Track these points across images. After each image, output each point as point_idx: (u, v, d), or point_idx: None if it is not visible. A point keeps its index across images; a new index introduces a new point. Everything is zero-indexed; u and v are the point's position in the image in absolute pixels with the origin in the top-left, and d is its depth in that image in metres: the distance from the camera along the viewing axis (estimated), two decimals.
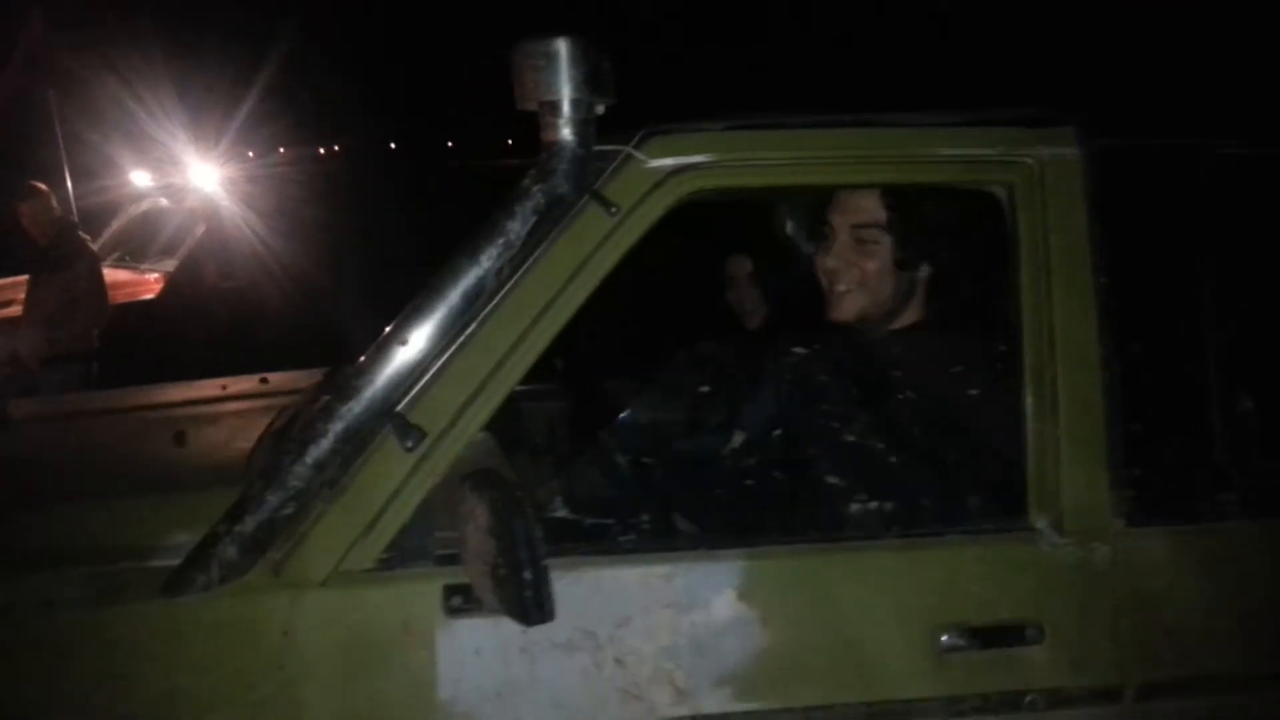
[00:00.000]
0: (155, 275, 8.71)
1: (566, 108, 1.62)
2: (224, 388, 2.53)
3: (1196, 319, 1.72)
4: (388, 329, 1.62)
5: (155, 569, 1.62)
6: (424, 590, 1.60)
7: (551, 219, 1.64)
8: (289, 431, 1.97)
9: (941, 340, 1.88)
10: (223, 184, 11.66)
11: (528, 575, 1.41)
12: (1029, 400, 1.72)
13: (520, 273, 1.64)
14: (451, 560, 1.62)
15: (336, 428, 1.59)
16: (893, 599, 1.68)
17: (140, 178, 11.11)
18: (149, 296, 8.32)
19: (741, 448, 1.87)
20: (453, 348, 1.62)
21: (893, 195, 1.87)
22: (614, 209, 1.64)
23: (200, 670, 1.55)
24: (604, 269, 1.65)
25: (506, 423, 1.85)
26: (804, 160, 1.73)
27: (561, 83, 1.61)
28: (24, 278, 5.82)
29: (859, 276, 1.90)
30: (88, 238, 5.84)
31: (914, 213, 1.86)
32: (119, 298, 6.96)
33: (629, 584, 1.63)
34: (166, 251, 9.29)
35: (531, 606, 1.41)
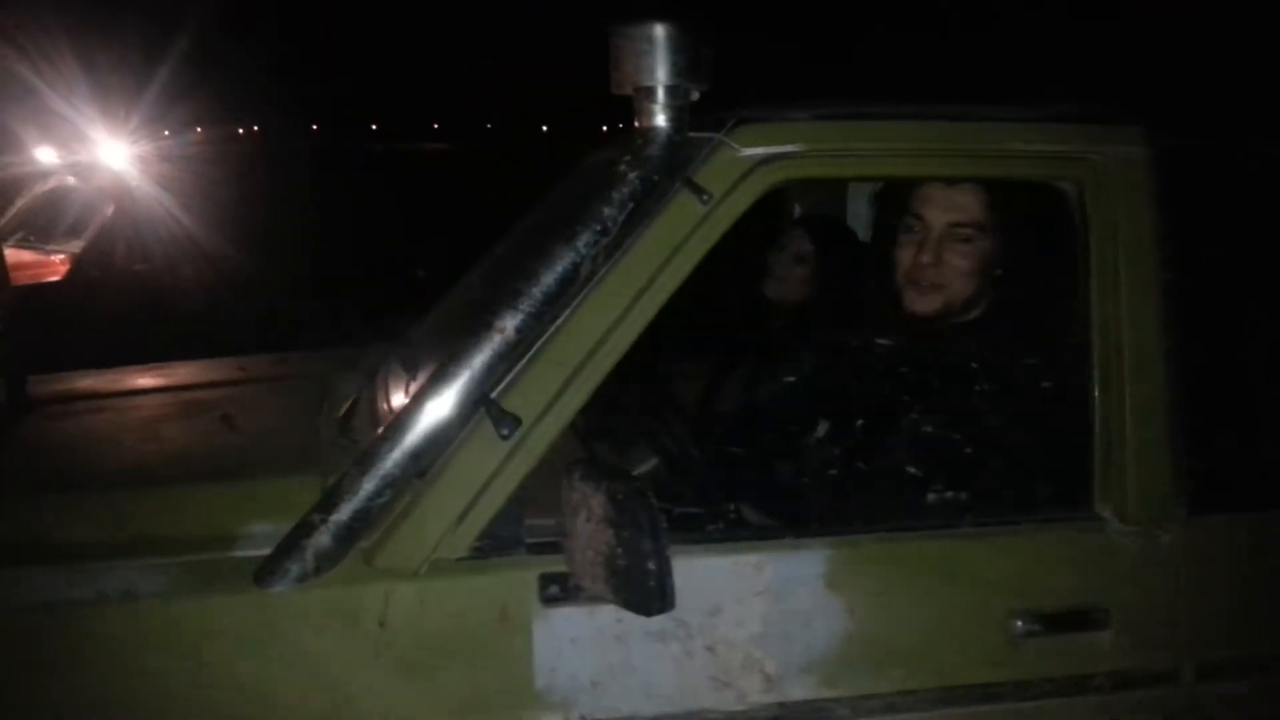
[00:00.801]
0: (61, 257, 8.40)
1: (662, 94, 1.61)
2: (242, 369, 2.44)
3: (1257, 314, 1.80)
4: (484, 314, 1.59)
5: (240, 559, 1.56)
6: (519, 579, 1.58)
7: (646, 205, 1.63)
8: (355, 418, 1.93)
9: (1002, 334, 1.91)
10: (134, 162, 11.24)
11: (652, 565, 1.40)
12: (1096, 392, 1.77)
13: (615, 259, 1.62)
14: (545, 549, 1.60)
15: (431, 414, 1.55)
16: (969, 586, 1.71)
17: (45, 154, 10.65)
18: (54, 279, 8.03)
19: (826, 436, 1.89)
20: (548, 334, 1.60)
21: (993, 196, 1.87)
22: (706, 196, 1.64)
23: (295, 661, 1.51)
24: (696, 256, 1.64)
25: None
26: (890, 152, 1.75)
27: (660, 68, 1.59)
28: None
29: (947, 274, 1.90)
30: None
31: (1008, 216, 1.88)
32: (22, 280, 6.67)
33: (720, 573, 1.63)
34: (73, 232, 8.96)
35: (655, 597, 1.41)
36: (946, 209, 1.89)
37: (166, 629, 1.49)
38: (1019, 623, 1.70)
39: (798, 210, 2.83)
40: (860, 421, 1.85)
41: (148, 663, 1.48)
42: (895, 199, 1.98)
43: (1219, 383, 1.79)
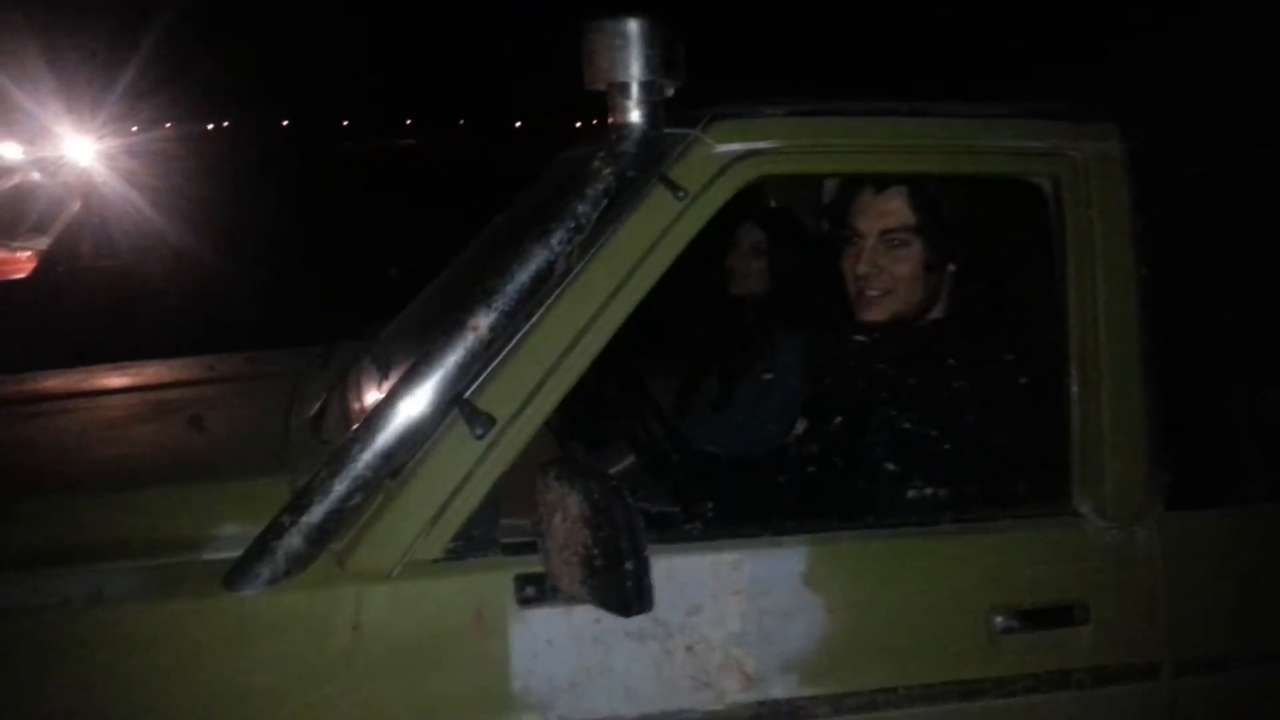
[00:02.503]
0: (27, 253, 8.34)
1: (637, 89, 1.59)
2: (211, 368, 2.40)
3: (1231, 310, 1.80)
4: (457, 312, 1.56)
5: (210, 562, 1.53)
6: (495, 580, 1.56)
7: (620, 202, 1.61)
8: (325, 419, 1.90)
9: (968, 333, 1.91)
10: (101, 158, 11.11)
11: (630, 566, 1.38)
12: (1074, 388, 1.76)
13: (589, 256, 1.60)
14: (521, 549, 1.58)
15: (404, 414, 1.53)
16: (949, 583, 1.70)
17: (9, 150, 10.53)
18: (20, 275, 7.96)
19: (806, 434, 1.88)
20: (521, 332, 1.58)
21: (920, 197, 1.89)
22: (682, 193, 1.62)
23: (266, 666, 1.48)
24: (673, 252, 1.63)
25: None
26: (865, 148, 1.74)
27: (635, 63, 1.58)
28: None
29: (890, 281, 1.90)
30: None
31: (942, 213, 1.89)
32: None
33: (699, 572, 1.62)
34: (39, 228, 8.89)
35: (633, 597, 1.39)
36: (876, 217, 1.90)
37: (134, 634, 1.46)
38: (998, 619, 1.69)
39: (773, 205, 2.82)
40: (838, 419, 1.84)
41: (115, 669, 1.44)
42: (837, 213, 1.97)
43: (1196, 379, 1.78)
